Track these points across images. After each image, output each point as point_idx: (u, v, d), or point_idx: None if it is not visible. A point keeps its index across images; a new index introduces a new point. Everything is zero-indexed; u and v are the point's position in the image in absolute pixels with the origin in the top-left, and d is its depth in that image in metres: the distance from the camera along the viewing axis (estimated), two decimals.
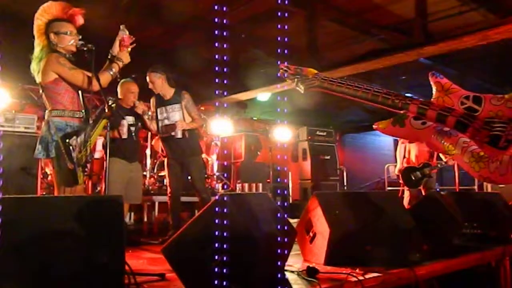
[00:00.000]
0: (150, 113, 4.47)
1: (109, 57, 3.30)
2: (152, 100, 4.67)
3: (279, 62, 2.62)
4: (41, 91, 3.16)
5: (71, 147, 3.03)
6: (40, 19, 3.11)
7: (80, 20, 3.23)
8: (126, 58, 3.32)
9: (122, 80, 4.40)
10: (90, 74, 3.13)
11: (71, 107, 3.14)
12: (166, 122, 4.54)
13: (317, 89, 2.40)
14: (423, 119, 2.15)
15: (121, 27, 3.35)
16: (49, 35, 3.09)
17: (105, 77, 3.20)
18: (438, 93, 2.23)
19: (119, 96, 4.47)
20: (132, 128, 4.40)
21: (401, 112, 2.21)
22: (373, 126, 2.31)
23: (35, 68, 3.10)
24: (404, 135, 2.50)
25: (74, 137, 3.05)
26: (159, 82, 4.52)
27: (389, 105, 2.23)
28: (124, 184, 4.24)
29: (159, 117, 4.58)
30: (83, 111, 3.20)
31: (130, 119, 4.37)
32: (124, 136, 4.22)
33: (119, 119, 4.24)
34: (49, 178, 5.92)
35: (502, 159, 1.93)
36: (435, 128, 2.12)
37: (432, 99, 2.24)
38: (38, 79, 3.10)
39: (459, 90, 2.21)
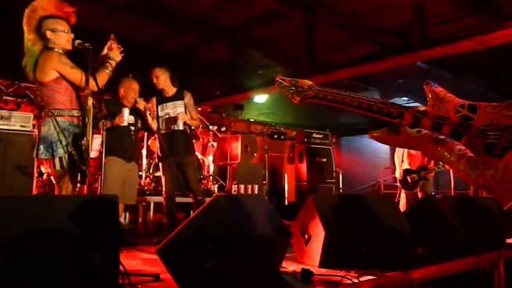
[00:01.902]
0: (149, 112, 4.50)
1: (95, 65, 3.28)
2: (153, 99, 4.68)
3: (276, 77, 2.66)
4: (39, 89, 3.14)
5: (83, 147, 3.03)
6: (32, 16, 3.06)
7: (73, 19, 3.22)
8: (117, 56, 3.32)
9: (123, 79, 4.45)
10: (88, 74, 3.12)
11: (70, 106, 3.13)
12: (167, 117, 4.56)
13: (313, 100, 2.43)
14: (418, 128, 2.17)
15: (112, 36, 3.36)
16: (45, 32, 3.07)
17: (103, 76, 3.20)
18: (433, 101, 2.27)
19: (121, 94, 4.48)
20: (132, 128, 4.40)
21: (397, 120, 2.22)
22: (368, 135, 2.33)
23: (29, 64, 3.07)
24: (399, 144, 2.55)
25: (84, 138, 3.06)
26: (163, 77, 4.61)
27: (384, 113, 2.27)
28: (121, 184, 4.24)
29: (160, 114, 4.61)
30: (79, 110, 3.20)
31: (130, 118, 4.37)
32: (124, 124, 4.23)
33: (119, 107, 4.29)
34: (44, 177, 5.90)
35: (498, 166, 1.95)
36: (430, 136, 2.14)
37: (427, 108, 2.25)
38: (34, 76, 3.07)
39: (454, 99, 2.26)
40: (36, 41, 3.07)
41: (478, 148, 2.04)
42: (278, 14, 6.97)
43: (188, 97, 4.66)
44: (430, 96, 2.28)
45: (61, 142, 3.01)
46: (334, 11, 6.93)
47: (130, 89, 4.44)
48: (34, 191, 5.52)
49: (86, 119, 3.16)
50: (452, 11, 6.60)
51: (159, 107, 4.63)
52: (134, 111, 4.41)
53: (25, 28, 3.07)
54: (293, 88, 2.49)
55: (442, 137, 2.13)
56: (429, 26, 6.33)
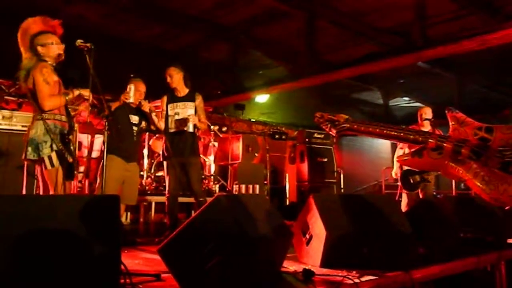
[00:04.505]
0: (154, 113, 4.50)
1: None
2: (164, 98, 4.70)
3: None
4: (30, 95, 3.30)
5: (70, 142, 3.25)
6: (23, 37, 3.30)
7: (60, 30, 3.43)
8: (85, 92, 3.44)
9: (131, 79, 4.47)
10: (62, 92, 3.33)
11: (57, 111, 3.31)
12: (177, 117, 4.58)
13: (348, 131, 2.69)
14: (440, 151, 2.33)
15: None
16: (36, 48, 3.29)
17: (61, 100, 3.31)
18: (453, 126, 2.47)
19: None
20: (135, 128, 4.41)
21: (422, 145, 2.47)
22: (397, 159, 2.58)
23: (21, 76, 3.25)
24: (422, 165, 2.76)
25: (71, 134, 3.29)
26: (177, 77, 4.64)
27: (410, 140, 2.53)
28: (119, 183, 4.23)
29: (169, 113, 4.63)
30: (66, 116, 3.38)
31: (134, 119, 4.39)
32: (130, 99, 4.21)
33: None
34: None
35: (511, 182, 2.09)
36: (450, 157, 2.28)
37: (449, 132, 2.47)
38: (25, 85, 3.26)
39: (473, 123, 2.45)
40: (31, 57, 3.28)
41: (495, 167, 2.20)
42: (279, 14, 6.97)
43: (199, 100, 4.69)
44: (452, 122, 2.49)
45: (46, 143, 3.17)
46: (335, 11, 6.93)
47: (136, 90, 4.46)
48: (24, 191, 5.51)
49: (73, 124, 3.43)
50: (454, 11, 6.59)
51: (170, 105, 4.65)
52: (139, 111, 4.42)
53: (21, 48, 3.31)
54: (330, 122, 2.68)
55: (460, 158, 2.29)
56: (431, 26, 6.32)
